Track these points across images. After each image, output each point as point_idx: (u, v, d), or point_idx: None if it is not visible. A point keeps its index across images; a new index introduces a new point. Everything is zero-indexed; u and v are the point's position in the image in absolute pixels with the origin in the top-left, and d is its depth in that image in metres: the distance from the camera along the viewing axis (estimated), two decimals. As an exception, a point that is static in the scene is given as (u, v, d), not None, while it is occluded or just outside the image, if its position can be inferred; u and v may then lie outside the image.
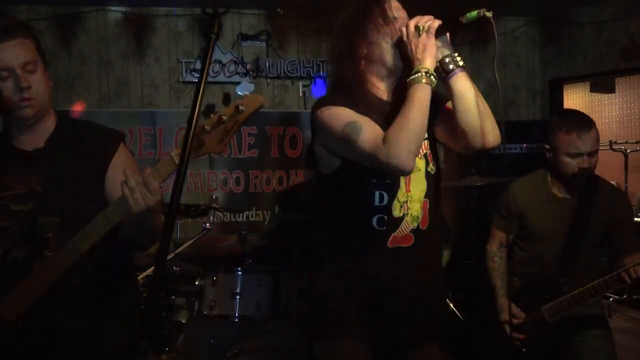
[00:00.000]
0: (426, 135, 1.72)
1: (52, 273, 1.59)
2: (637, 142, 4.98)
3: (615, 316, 2.59)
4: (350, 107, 1.68)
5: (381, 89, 1.77)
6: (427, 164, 1.76)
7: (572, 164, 2.40)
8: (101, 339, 1.73)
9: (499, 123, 1.76)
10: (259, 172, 4.79)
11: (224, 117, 1.43)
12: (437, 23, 1.63)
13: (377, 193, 1.70)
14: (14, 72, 1.63)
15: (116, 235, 1.66)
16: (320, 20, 4.72)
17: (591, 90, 5.86)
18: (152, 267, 2.91)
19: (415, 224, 1.73)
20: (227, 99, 1.47)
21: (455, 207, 5.02)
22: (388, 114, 1.69)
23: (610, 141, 4.96)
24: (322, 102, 1.73)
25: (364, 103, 1.71)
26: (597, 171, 2.50)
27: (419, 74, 1.60)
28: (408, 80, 1.63)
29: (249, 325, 2.98)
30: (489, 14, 1.55)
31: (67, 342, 1.69)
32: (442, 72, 1.67)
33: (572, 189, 2.49)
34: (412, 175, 1.71)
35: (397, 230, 1.72)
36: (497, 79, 1.75)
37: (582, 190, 2.48)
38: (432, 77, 1.61)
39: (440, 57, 1.66)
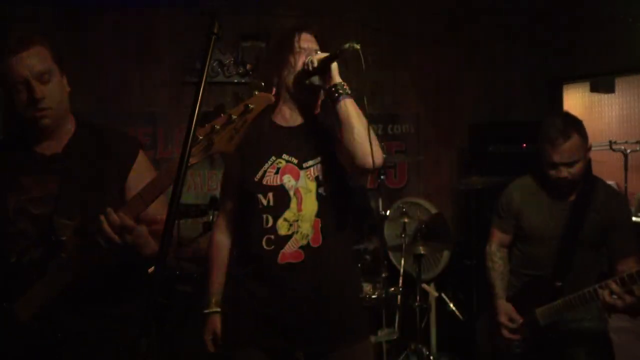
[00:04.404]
0: (319, 160, 1.91)
1: (66, 274, 1.60)
2: (637, 142, 4.97)
3: (615, 316, 2.58)
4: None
5: (285, 114, 1.98)
6: (319, 186, 1.90)
7: (550, 172, 2.40)
8: (113, 339, 1.74)
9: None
10: (259, 172, 4.79)
11: (233, 116, 1.43)
12: (316, 57, 1.83)
13: (264, 216, 1.89)
14: (29, 83, 1.65)
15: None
16: (321, 20, 4.72)
17: (591, 90, 5.84)
18: (152, 267, 2.91)
19: (305, 242, 1.88)
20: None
21: (455, 207, 5.02)
22: (280, 140, 1.93)
23: (610, 141, 4.95)
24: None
25: (260, 129, 1.92)
26: (597, 171, 2.49)
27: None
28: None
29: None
30: (357, 47, 1.72)
31: (78, 343, 1.70)
32: (329, 99, 1.86)
33: (564, 191, 2.48)
34: (303, 196, 1.88)
35: (285, 247, 1.87)
36: (365, 104, 1.84)
37: (578, 192, 2.46)
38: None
39: (327, 86, 1.83)
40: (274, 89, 1.94)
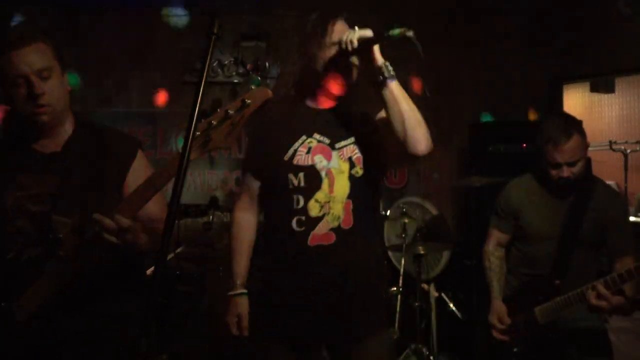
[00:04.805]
0: (352, 140, 1.86)
1: (65, 273, 1.60)
2: (637, 142, 4.96)
3: (615, 315, 2.58)
4: (272, 118, 1.89)
5: (316, 97, 1.92)
6: (352, 167, 1.85)
7: (552, 172, 2.40)
8: (113, 339, 1.74)
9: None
10: (259, 172, 4.79)
11: (230, 111, 1.43)
12: (357, 35, 1.71)
13: (294, 197, 1.83)
14: (28, 78, 1.65)
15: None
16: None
17: (591, 90, 5.84)
18: (152, 267, 2.92)
19: (337, 223, 1.83)
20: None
21: (455, 207, 5.02)
22: (311, 121, 1.88)
23: (610, 141, 4.95)
24: (259, 118, 1.76)
25: (290, 111, 1.91)
26: (597, 171, 2.50)
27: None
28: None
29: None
30: (409, 34, 1.60)
31: (78, 342, 1.70)
32: (374, 83, 1.75)
33: (565, 191, 2.48)
34: (335, 177, 1.83)
35: (316, 229, 1.82)
36: (427, 93, 1.78)
37: (577, 191, 2.47)
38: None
39: (369, 68, 1.74)
40: (304, 74, 1.89)
